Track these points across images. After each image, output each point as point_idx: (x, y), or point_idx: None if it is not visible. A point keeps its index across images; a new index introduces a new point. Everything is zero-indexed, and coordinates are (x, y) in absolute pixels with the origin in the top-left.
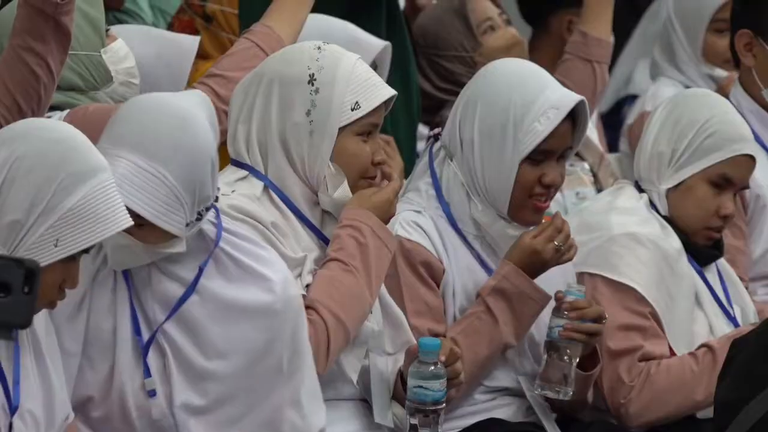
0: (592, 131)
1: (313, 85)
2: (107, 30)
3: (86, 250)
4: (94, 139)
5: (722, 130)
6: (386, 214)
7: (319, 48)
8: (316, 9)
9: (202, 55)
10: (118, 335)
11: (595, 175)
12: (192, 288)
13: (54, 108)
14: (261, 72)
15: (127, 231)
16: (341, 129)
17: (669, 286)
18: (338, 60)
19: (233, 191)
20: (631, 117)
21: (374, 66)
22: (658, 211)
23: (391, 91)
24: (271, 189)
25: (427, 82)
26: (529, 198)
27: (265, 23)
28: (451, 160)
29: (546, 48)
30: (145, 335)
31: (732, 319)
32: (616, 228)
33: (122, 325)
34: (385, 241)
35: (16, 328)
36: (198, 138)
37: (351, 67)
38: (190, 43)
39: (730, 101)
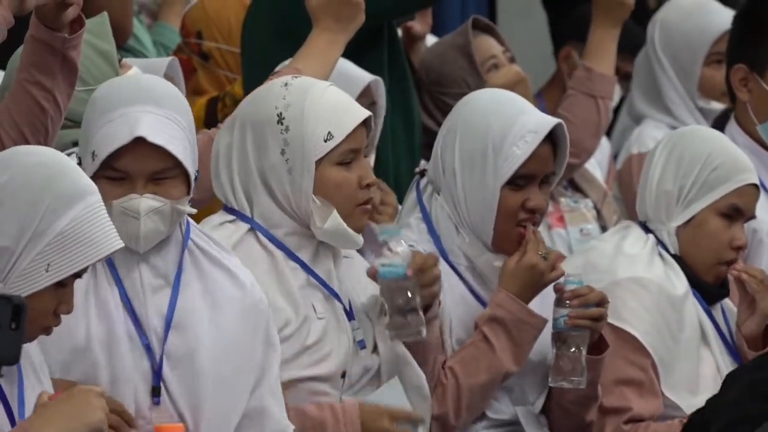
0: (596, 168)
1: (282, 123)
2: (120, 60)
3: (78, 275)
4: None
5: (727, 162)
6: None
7: (285, 84)
8: None
9: (198, 91)
10: (114, 335)
11: (598, 212)
12: (177, 288)
13: (77, 144)
14: (235, 116)
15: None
16: (319, 161)
17: (673, 330)
18: (305, 93)
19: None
20: (618, 162)
21: (372, 102)
22: (667, 251)
23: (363, 114)
24: (258, 230)
25: (430, 119)
26: (515, 226)
27: (294, 65)
28: (438, 194)
29: (554, 80)
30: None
31: (737, 357)
32: (621, 272)
33: (115, 326)
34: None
35: (4, 364)
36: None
37: (319, 98)
38: (162, 63)
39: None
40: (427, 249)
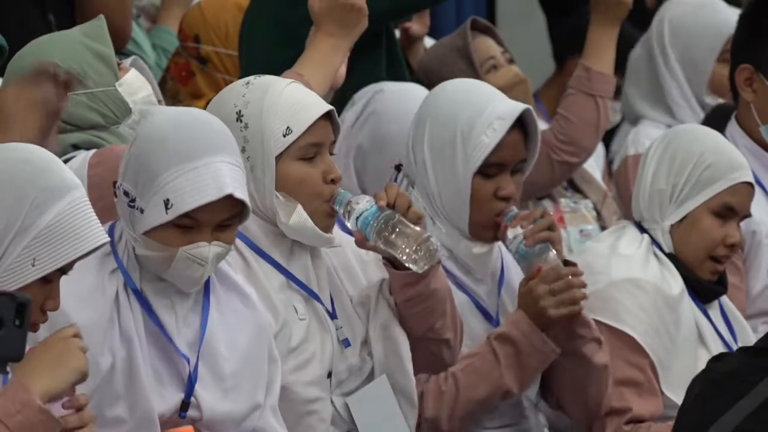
0: (595, 169)
1: (241, 121)
2: (119, 63)
3: (63, 271)
4: None
5: (719, 161)
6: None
7: (247, 83)
8: None
9: (196, 95)
10: (135, 358)
11: (598, 213)
12: (207, 313)
13: (77, 147)
14: None
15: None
16: (279, 157)
17: (670, 330)
18: (264, 90)
19: None
20: (615, 162)
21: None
22: (662, 250)
23: (323, 108)
24: None
25: None
26: (490, 215)
27: (297, 70)
28: (413, 187)
29: (551, 83)
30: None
31: None
32: (616, 272)
33: (139, 346)
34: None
35: (10, 361)
36: None
37: (278, 94)
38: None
39: (725, 137)
40: None
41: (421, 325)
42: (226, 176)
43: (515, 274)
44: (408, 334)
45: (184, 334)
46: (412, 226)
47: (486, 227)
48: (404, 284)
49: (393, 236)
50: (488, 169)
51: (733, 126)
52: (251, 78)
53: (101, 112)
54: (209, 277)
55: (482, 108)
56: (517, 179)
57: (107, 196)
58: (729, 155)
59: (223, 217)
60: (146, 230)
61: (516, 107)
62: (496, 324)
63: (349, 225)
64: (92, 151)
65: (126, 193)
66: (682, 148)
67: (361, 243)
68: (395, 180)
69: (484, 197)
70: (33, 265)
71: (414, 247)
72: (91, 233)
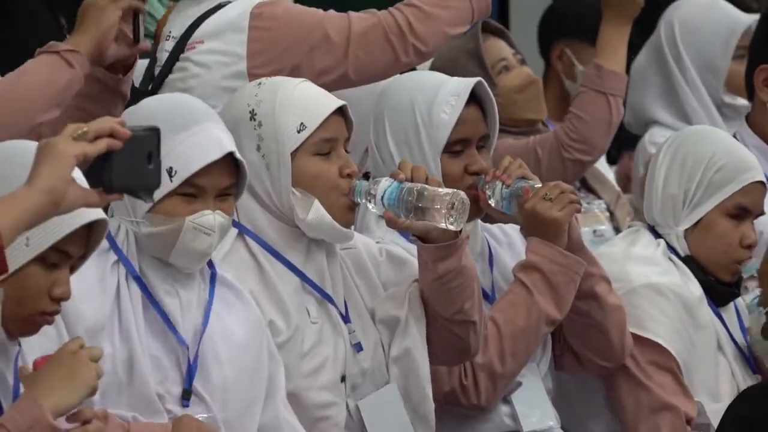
0: (608, 170)
1: (254, 120)
2: None
3: (68, 255)
4: None
5: (730, 162)
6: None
7: (259, 83)
8: None
9: None
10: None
11: (611, 213)
12: (211, 301)
13: None
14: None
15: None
16: (294, 154)
17: (691, 335)
18: (276, 88)
19: None
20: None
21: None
22: (678, 254)
23: (335, 103)
24: (246, 234)
25: None
26: (465, 190)
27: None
28: None
29: (550, 80)
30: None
31: (750, 363)
32: (636, 279)
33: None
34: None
35: (153, 191)
36: None
37: (290, 91)
38: None
39: (735, 138)
40: (396, 242)
41: (451, 305)
42: (223, 139)
43: (504, 255)
44: (436, 317)
45: (187, 321)
46: (437, 188)
47: None
48: (437, 258)
49: (423, 203)
50: (454, 147)
51: (743, 127)
52: (262, 79)
53: None
54: (215, 269)
55: (436, 89)
56: (484, 155)
57: (270, 48)
58: (739, 156)
59: (224, 184)
60: (151, 206)
61: (468, 82)
62: (493, 300)
63: (374, 210)
64: (254, 1)
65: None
66: (692, 152)
67: (393, 222)
68: None
69: (456, 175)
70: (27, 245)
71: (447, 206)
72: (83, 210)
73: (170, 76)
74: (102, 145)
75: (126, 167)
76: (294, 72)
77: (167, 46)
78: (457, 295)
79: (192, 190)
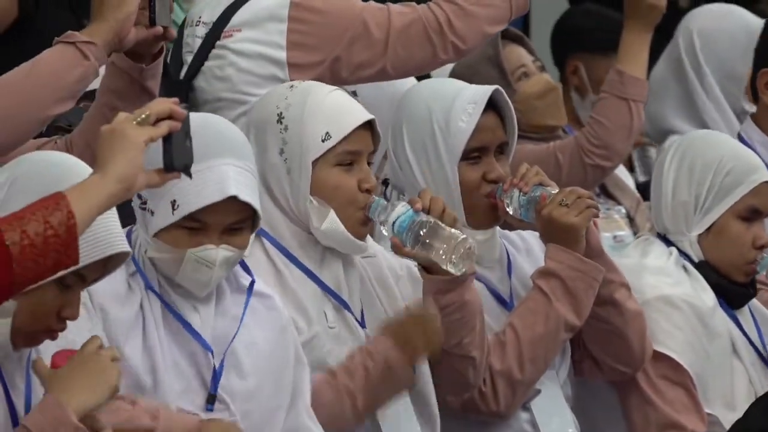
0: (628, 176)
1: (281, 123)
2: None
3: (84, 279)
4: None
5: (738, 165)
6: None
7: (291, 86)
8: None
9: None
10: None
11: (631, 219)
12: (244, 313)
13: None
14: (244, 119)
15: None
16: (316, 162)
17: (705, 345)
18: (307, 94)
19: None
20: None
21: None
22: (691, 260)
23: (364, 116)
24: (264, 237)
25: None
26: (483, 198)
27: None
28: (404, 194)
29: (566, 88)
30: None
31: (767, 364)
32: (649, 291)
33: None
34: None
35: (189, 168)
36: None
37: (320, 99)
38: None
39: (740, 136)
40: None
41: (449, 337)
42: (230, 179)
43: (522, 262)
44: None
45: (208, 327)
46: (448, 228)
47: (483, 212)
48: (438, 290)
49: (430, 239)
50: (472, 154)
51: (748, 124)
52: (295, 81)
53: None
54: (254, 276)
55: (453, 97)
56: (503, 162)
57: (310, 40)
58: (746, 158)
59: (230, 220)
60: (156, 232)
61: (485, 89)
62: (511, 307)
63: (385, 231)
64: None
65: (139, 196)
66: (700, 157)
67: (399, 249)
68: (384, 195)
69: (474, 183)
70: None
71: (452, 249)
72: (112, 239)
73: (207, 64)
74: (165, 128)
75: (179, 146)
76: (334, 64)
77: (198, 32)
78: (458, 328)
79: (195, 225)
